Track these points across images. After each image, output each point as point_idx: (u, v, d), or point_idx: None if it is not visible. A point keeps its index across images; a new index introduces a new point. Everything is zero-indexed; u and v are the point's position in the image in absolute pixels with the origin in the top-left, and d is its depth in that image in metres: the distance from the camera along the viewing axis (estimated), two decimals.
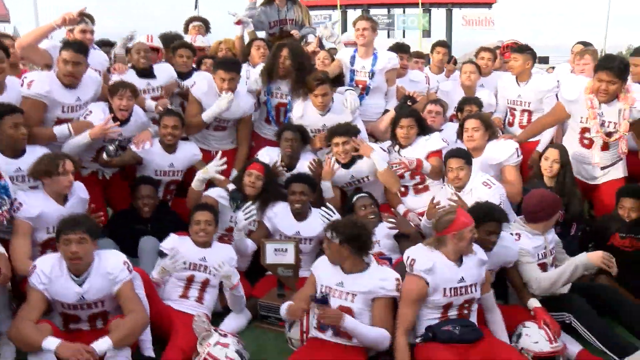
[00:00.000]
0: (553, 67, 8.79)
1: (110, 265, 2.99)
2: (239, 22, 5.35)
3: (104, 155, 4.03)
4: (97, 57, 4.57)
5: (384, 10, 24.40)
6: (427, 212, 3.82)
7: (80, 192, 3.58)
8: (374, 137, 4.77)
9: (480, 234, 3.15)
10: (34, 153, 3.50)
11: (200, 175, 4.02)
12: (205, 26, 6.24)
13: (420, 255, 3.08)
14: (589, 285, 3.59)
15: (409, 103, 4.70)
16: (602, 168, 4.19)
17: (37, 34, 4.09)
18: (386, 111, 4.89)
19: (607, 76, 3.80)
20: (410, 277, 3.05)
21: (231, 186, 4.10)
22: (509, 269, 3.47)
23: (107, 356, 2.78)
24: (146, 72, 4.64)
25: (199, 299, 3.52)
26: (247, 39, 5.48)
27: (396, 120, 4.33)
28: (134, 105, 4.22)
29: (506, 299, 3.66)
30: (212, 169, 4.00)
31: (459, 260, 3.08)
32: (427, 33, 22.34)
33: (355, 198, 4.00)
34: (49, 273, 2.90)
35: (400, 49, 5.27)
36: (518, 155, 4.18)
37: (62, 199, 3.46)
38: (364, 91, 4.88)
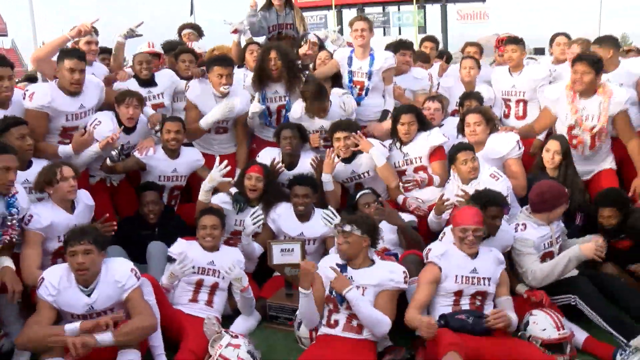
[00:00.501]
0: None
1: (117, 273, 3.00)
2: (235, 31, 5.39)
3: (108, 161, 4.10)
4: (99, 69, 4.72)
5: (379, 9, 24.41)
6: (435, 208, 3.90)
7: (85, 199, 3.64)
8: (375, 137, 4.78)
9: (485, 219, 3.28)
10: (41, 165, 3.54)
11: (206, 185, 4.00)
12: (197, 32, 6.32)
13: (436, 245, 3.37)
14: (594, 275, 3.59)
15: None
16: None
17: (52, 47, 4.17)
18: (385, 111, 4.92)
19: (582, 66, 4.07)
20: (427, 265, 3.26)
21: (233, 189, 4.13)
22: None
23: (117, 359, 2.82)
24: (147, 81, 4.74)
25: (209, 303, 3.55)
26: (243, 44, 5.53)
27: (396, 117, 4.36)
28: (140, 114, 4.30)
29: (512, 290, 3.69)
30: (216, 175, 3.99)
31: (472, 254, 3.21)
32: (422, 29, 22.35)
33: (358, 195, 4.02)
34: (57, 284, 2.91)
35: (402, 45, 5.25)
36: (519, 148, 4.23)
37: (70, 207, 3.52)
38: (363, 92, 4.90)
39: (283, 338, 3.51)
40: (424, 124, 4.37)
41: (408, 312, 3.11)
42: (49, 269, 3.04)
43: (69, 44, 4.46)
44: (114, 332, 2.77)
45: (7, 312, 3.22)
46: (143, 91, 4.62)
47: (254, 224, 3.81)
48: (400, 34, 22.85)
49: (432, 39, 6.77)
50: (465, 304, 3.16)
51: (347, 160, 4.36)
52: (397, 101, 4.97)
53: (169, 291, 3.51)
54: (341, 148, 4.27)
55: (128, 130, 4.25)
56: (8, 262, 3.12)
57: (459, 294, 3.17)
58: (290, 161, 4.42)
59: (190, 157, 4.45)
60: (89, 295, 2.94)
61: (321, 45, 5.45)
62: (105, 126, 4.09)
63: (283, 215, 4.07)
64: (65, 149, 3.87)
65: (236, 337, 3.09)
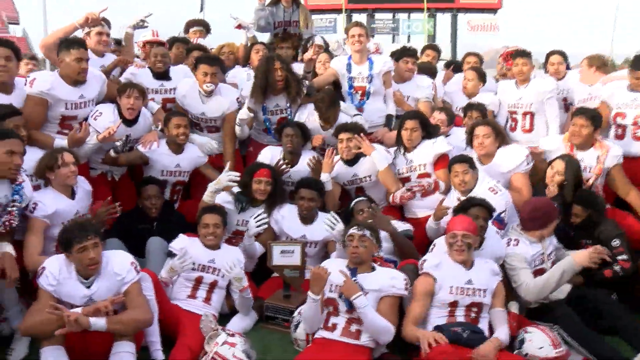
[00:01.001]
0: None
1: (117, 266, 3.00)
2: (239, 27, 5.39)
3: (111, 152, 4.10)
4: (111, 60, 4.73)
5: (389, 15, 24.36)
6: (435, 214, 3.90)
7: (83, 184, 3.69)
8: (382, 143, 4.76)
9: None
10: (35, 154, 3.54)
11: (212, 187, 3.99)
12: (205, 29, 6.32)
13: (431, 256, 3.38)
14: (582, 295, 3.53)
15: None
16: None
17: (60, 34, 4.17)
18: (389, 115, 4.93)
19: (581, 120, 4.23)
20: (420, 276, 3.24)
21: (235, 189, 4.12)
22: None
23: (113, 352, 2.82)
24: (162, 74, 4.74)
25: (207, 300, 3.56)
26: (248, 43, 5.55)
27: (401, 123, 4.37)
28: (142, 107, 4.29)
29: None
30: (225, 179, 3.96)
31: (467, 264, 3.20)
32: (432, 38, 22.34)
33: (353, 203, 4.05)
34: (57, 275, 2.90)
35: (406, 53, 5.25)
36: (528, 163, 4.21)
37: (71, 193, 3.55)
38: (364, 96, 4.91)
39: (279, 339, 3.51)
40: (429, 132, 4.37)
41: (405, 326, 3.10)
42: (50, 258, 3.03)
43: (81, 34, 4.46)
44: (108, 319, 2.77)
45: (6, 297, 3.24)
46: (155, 84, 4.65)
47: (258, 226, 3.82)
48: (409, 41, 22.83)
49: (434, 47, 6.78)
50: (460, 315, 3.15)
51: (350, 162, 4.37)
52: (398, 108, 5.00)
53: (168, 285, 3.51)
54: (343, 149, 4.29)
55: (129, 123, 4.21)
56: (8, 247, 3.13)
57: (454, 305, 3.15)
58: (291, 159, 4.43)
59: (194, 153, 4.45)
60: (88, 287, 2.94)
61: (325, 49, 5.44)
62: (106, 117, 4.11)
63: (287, 217, 4.08)
64: (60, 143, 3.86)
65: (233, 335, 3.08)
